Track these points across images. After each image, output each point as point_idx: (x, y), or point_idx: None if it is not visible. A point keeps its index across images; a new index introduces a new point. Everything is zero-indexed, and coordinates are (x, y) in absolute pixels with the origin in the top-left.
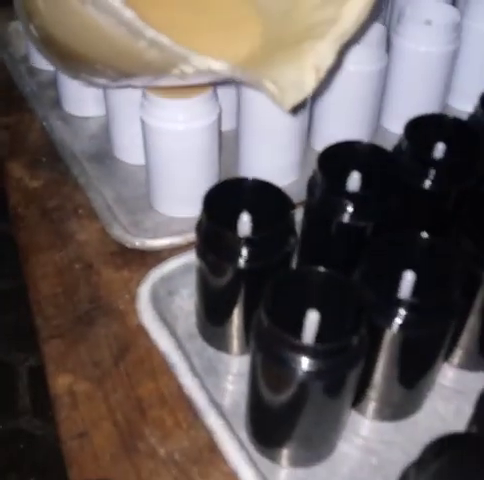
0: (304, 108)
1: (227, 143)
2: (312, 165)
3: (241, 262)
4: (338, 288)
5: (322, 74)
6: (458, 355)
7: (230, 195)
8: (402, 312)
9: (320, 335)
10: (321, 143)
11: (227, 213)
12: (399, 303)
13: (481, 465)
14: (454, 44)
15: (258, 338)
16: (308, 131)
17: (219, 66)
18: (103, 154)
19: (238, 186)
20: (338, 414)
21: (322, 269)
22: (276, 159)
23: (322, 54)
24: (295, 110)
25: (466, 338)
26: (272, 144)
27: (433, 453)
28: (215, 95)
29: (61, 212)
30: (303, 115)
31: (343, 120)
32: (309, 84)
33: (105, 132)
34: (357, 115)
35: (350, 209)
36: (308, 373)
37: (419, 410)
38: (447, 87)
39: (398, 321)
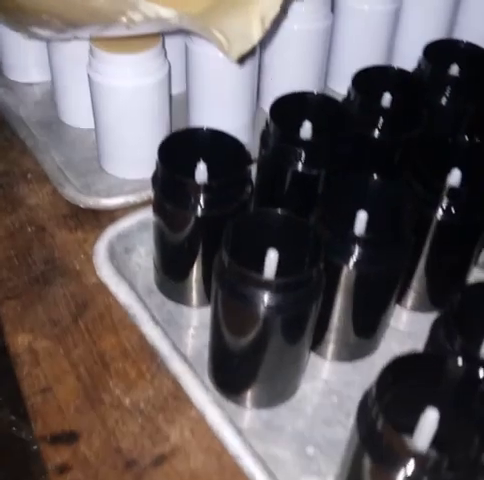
0: (252, 58)
1: (177, 106)
2: (262, 126)
3: (199, 210)
4: (296, 228)
5: (268, 25)
6: (410, 297)
7: (186, 145)
8: (357, 248)
9: (280, 274)
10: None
11: (183, 163)
12: (354, 240)
13: (432, 380)
14: (397, 3)
15: (219, 278)
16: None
17: (167, 13)
18: (49, 119)
19: (193, 136)
20: (299, 352)
21: (280, 211)
22: (226, 120)
23: (268, 5)
24: (242, 60)
25: (417, 280)
26: (222, 105)
27: (390, 371)
28: (164, 51)
29: (9, 177)
30: (252, 74)
31: (291, 80)
32: (255, 34)
33: (50, 98)
34: (304, 74)
35: (303, 157)
36: (269, 308)
37: (375, 351)
38: (391, 46)
39: (353, 257)
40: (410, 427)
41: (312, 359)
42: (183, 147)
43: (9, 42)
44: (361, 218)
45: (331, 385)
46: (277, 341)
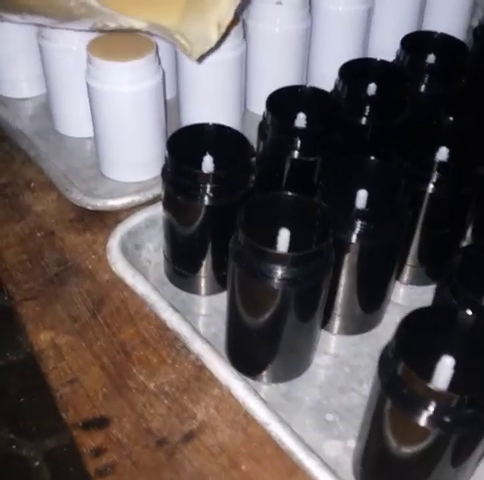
0: (239, 62)
1: (169, 111)
2: (251, 125)
3: (207, 199)
4: (304, 208)
5: (224, 29)
6: (407, 272)
7: (192, 140)
8: (359, 223)
9: (292, 250)
10: (257, 104)
11: (190, 157)
12: (356, 215)
13: (444, 330)
14: (369, 3)
15: (236, 257)
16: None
17: (139, 25)
18: (46, 131)
19: (199, 131)
20: (312, 326)
21: (288, 192)
22: (216, 121)
23: (223, 11)
24: (201, 59)
25: (413, 254)
26: (212, 107)
27: (407, 324)
28: (158, 58)
29: (13, 187)
30: (240, 77)
31: (275, 80)
32: (213, 38)
33: (44, 111)
34: (287, 74)
35: (300, 146)
36: (285, 281)
37: (379, 323)
38: (365, 45)
39: (356, 232)
40: (427, 375)
41: (322, 335)
42: (189, 142)
43: (0, 59)
44: (362, 196)
45: (341, 357)
46: (292, 315)
